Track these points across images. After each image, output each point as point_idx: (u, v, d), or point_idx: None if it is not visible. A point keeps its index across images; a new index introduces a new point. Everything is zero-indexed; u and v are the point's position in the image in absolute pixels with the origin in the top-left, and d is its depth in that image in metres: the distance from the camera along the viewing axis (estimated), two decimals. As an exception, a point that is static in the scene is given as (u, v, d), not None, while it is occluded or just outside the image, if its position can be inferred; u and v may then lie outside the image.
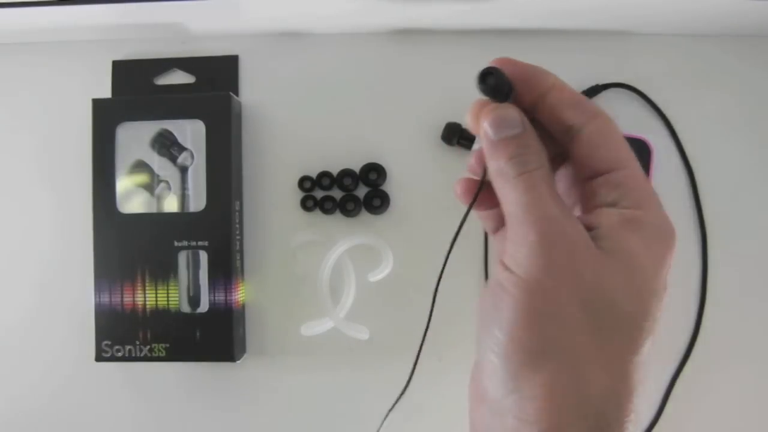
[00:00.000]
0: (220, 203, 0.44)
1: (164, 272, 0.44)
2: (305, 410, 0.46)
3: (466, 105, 0.47)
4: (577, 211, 0.27)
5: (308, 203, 0.46)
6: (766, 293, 0.46)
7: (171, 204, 0.45)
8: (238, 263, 0.45)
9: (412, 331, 0.47)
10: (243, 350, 0.46)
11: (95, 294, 0.44)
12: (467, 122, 0.26)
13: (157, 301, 0.44)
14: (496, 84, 0.25)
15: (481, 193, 0.27)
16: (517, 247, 0.24)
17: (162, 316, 0.44)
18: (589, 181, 0.26)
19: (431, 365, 0.46)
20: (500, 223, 0.28)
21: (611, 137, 0.25)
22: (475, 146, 0.26)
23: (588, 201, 0.26)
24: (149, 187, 0.45)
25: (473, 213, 0.28)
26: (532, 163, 0.24)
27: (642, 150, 0.45)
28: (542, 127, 0.26)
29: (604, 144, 0.25)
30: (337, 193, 0.47)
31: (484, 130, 0.25)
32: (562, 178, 0.28)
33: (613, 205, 0.25)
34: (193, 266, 0.45)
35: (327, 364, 0.46)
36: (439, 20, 0.46)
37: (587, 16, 0.45)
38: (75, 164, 0.47)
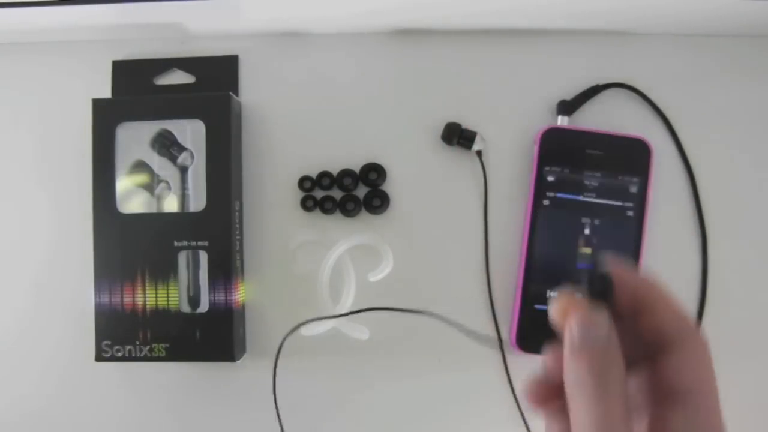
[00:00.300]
0: (220, 203, 0.44)
1: (164, 272, 0.44)
2: (305, 410, 0.46)
3: (466, 105, 0.47)
4: (638, 417, 0.26)
5: (308, 203, 0.46)
6: (766, 293, 0.46)
7: (171, 204, 0.45)
8: (238, 263, 0.45)
9: (412, 330, 0.47)
10: (243, 350, 0.46)
11: (95, 294, 0.44)
12: (551, 312, 0.25)
13: (157, 301, 0.44)
14: (603, 290, 0.24)
15: (550, 393, 0.26)
16: None
17: (162, 316, 0.44)
18: (663, 397, 0.25)
19: (431, 365, 0.46)
20: (566, 425, 0.26)
21: (703, 363, 0.25)
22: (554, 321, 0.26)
23: (656, 420, 0.25)
24: (149, 187, 0.45)
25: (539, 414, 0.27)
26: (613, 382, 0.23)
27: (642, 150, 0.45)
28: (631, 329, 0.25)
29: (693, 369, 0.25)
30: (337, 193, 0.47)
31: (570, 329, 0.24)
32: (633, 380, 0.26)
33: None
34: (193, 266, 0.45)
35: (327, 364, 0.46)
36: (439, 20, 0.46)
37: (587, 16, 0.45)
38: (75, 164, 0.47)
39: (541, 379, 0.26)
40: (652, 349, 0.25)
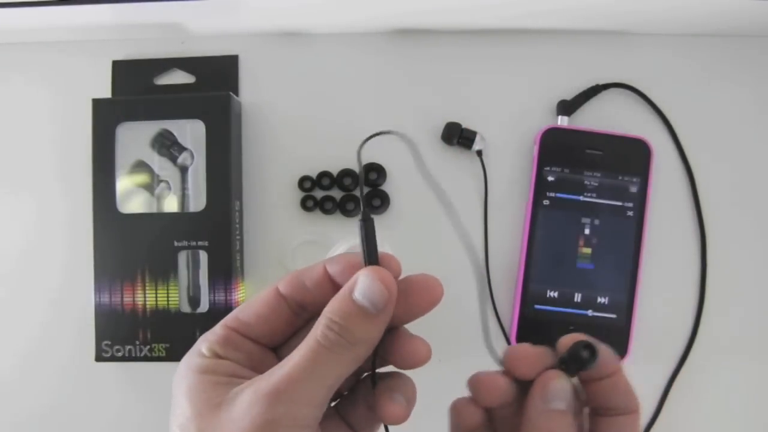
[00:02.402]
0: (220, 203, 0.44)
1: (164, 272, 0.44)
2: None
3: (466, 105, 0.47)
4: None
5: (308, 203, 0.46)
6: (765, 294, 0.46)
7: (171, 204, 0.45)
8: (238, 263, 0.45)
9: (412, 330, 0.47)
10: (243, 350, 0.46)
11: (95, 294, 0.44)
12: (521, 367, 0.28)
13: (157, 301, 0.44)
14: (587, 364, 0.27)
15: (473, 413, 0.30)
16: None
17: (162, 316, 0.44)
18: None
19: (431, 365, 0.46)
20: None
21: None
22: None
23: None
24: (149, 187, 0.45)
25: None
26: None
27: (642, 150, 0.45)
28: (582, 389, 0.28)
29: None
30: (337, 193, 0.47)
31: (544, 390, 0.27)
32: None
33: None
34: (193, 266, 0.45)
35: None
36: (439, 20, 0.46)
37: (587, 16, 0.45)
38: (75, 164, 0.47)
39: (470, 401, 0.30)
40: (593, 410, 0.28)
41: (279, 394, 0.24)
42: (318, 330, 0.26)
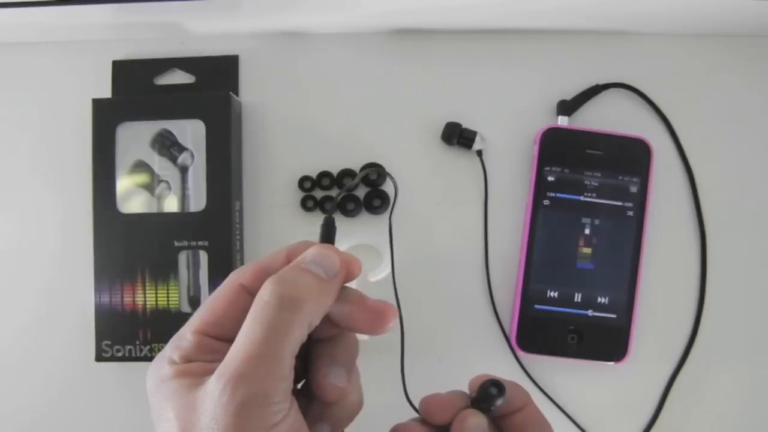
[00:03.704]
0: (220, 203, 0.44)
1: (164, 272, 0.44)
2: (305, 410, 0.46)
3: (466, 105, 0.47)
4: None
5: (308, 203, 0.46)
6: (766, 294, 0.46)
7: (171, 204, 0.45)
8: (238, 263, 0.45)
9: (413, 330, 0.47)
10: (243, 350, 0.46)
11: (95, 294, 0.44)
12: (437, 415, 0.31)
13: (157, 301, 0.44)
14: (496, 399, 0.30)
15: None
16: None
17: (162, 316, 0.44)
18: None
19: (431, 365, 0.46)
20: None
21: None
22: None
23: None
24: (149, 187, 0.45)
25: None
26: None
27: (642, 150, 0.45)
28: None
29: None
30: (337, 193, 0.47)
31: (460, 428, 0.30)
32: None
33: None
34: (193, 266, 0.45)
35: (327, 364, 0.46)
36: (438, 20, 0.46)
37: (587, 16, 0.45)
38: (75, 164, 0.47)
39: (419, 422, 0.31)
40: None
41: (242, 377, 0.23)
42: (265, 291, 0.25)
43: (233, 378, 0.23)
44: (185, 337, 0.27)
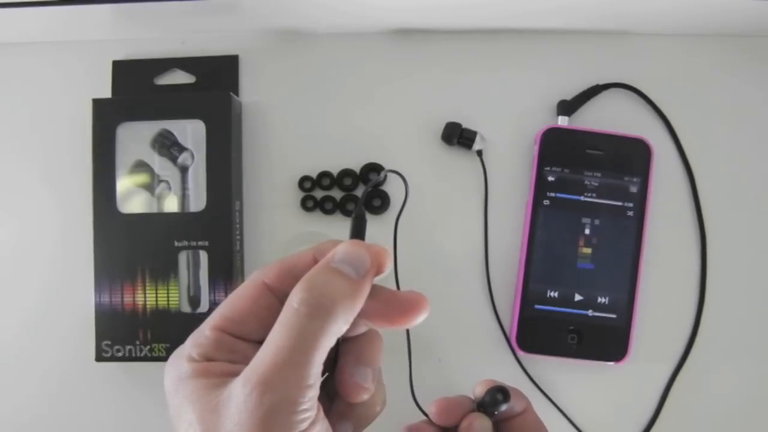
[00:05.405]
0: (220, 203, 0.44)
1: (164, 272, 0.44)
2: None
3: (466, 105, 0.47)
4: None
5: (308, 203, 0.46)
6: (765, 294, 0.46)
7: (171, 204, 0.45)
8: (238, 263, 0.45)
9: (412, 330, 0.47)
10: (243, 350, 0.46)
11: (95, 294, 0.44)
12: (447, 417, 0.33)
13: (157, 301, 0.44)
14: (502, 404, 0.32)
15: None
16: None
17: (162, 316, 0.44)
18: None
19: (431, 365, 0.46)
20: None
21: None
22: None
23: None
24: (149, 187, 0.45)
25: None
26: None
27: (642, 150, 0.45)
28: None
29: None
30: (337, 193, 0.47)
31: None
32: None
33: None
34: (193, 266, 0.45)
35: (327, 364, 0.46)
36: (438, 20, 0.46)
37: (587, 16, 0.45)
38: (75, 164, 0.47)
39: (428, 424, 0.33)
40: None
41: (269, 383, 0.23)
42: (295, 297, 0.25)
43: (260, 384, 0.23)
44: (204, 333, 0.27)
